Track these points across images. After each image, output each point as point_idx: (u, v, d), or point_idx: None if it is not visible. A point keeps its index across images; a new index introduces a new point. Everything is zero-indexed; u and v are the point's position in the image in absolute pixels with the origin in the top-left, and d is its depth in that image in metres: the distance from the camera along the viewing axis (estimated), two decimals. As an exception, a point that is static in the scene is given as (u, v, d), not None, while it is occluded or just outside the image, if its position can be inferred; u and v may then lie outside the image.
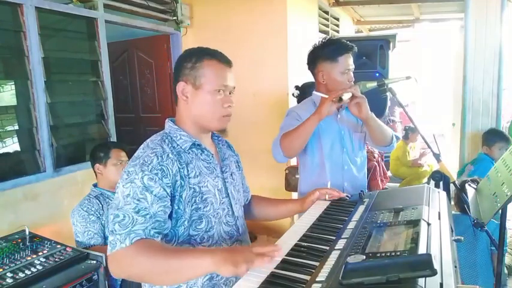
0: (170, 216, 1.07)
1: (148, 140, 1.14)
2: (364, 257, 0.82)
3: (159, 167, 1.04)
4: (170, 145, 1.11)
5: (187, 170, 1.10)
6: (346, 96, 1.53)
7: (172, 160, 1.07)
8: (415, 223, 0.96)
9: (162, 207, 1.02)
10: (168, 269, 0.93)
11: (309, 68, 1.81)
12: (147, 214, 0.99)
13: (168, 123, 1.19)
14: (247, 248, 0.94)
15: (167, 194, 1.04)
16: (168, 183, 1.04)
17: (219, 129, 1.21)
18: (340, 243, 1.01)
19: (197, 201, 1.11)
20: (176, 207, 1.08)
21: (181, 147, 1.13)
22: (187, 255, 0.95)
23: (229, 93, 1.16)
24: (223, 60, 1.14)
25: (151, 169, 1.02)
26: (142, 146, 1.12)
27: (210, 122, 1.16)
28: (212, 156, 1.19)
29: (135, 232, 0.96)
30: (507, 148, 2.87)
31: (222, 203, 1.18)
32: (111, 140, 2.92)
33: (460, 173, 3.23)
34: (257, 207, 1.47)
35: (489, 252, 2.18)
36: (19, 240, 1.69)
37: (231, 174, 1.26)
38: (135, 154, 1.10)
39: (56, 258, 1.58)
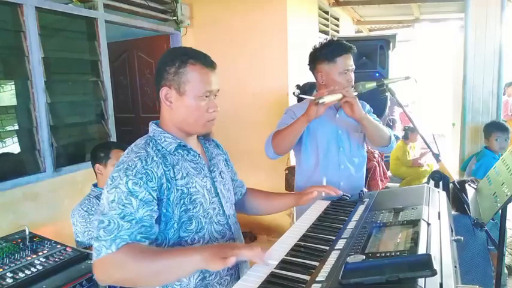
0: (158, 220, 1.06)
1: (132, 145, 1.13)
2: (364, 257, 0.82)
3: (144, 171, 1.02)
4: (155, 148, 1.10)
5: (174, 172, 1.09)
6: (328, 99, 1.51)
7: (157, 163, 1.05)
8: (415, 223, 0.96)
9: (149, 211, 1.01)
10: (157, 269, 0.93)
11: (310, 69, 1.82)
12: (133, 219, 0.98)
13: (151, 126, 1.17)
14: (235, 243, 0.94)
15: (153, 198, 1.02)
16: (154, 187, 1.03)
17: (203, 133, 1.20)
18: (340, 243, 1.01)
19: (186, 202, 1.10)
20: (164, 210, 1.06)
21: (166, 149, 1.11)
22: (176, 254, 0.95)
23: (214, 96, 1.15)
24: (207, 63, 1.11)
25: (135, 173, 1.01)
26: (127, 150, 1.11)
27: (194, 127, 1.14)
28: (199, 156, 1.18)
29: (121, 237, 0.95)
30: (504, 138, 2.91)
31: (212, 203, 1.17)
32: (111, 140, 2.92)
33: (465, 164, 3.24)
34: (251, 201, 1.46)
35: (487, 251, 2.19)
36: (19, 240, 1.68)
37: (220, 173, 1.25)
38: (120, 159, 1.08)
39: (56, 258, 1.57)
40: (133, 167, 1.02)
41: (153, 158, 1.06)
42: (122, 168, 1.03)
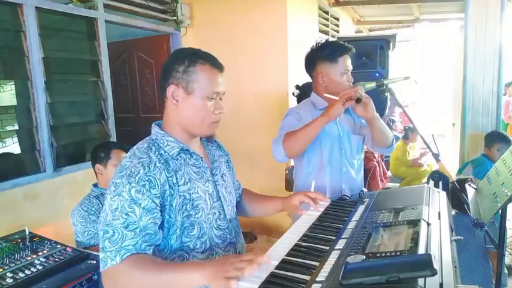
0: (161, 226, 1.06)
1: (134, 148, 1.12)
2: (364, 257, 0.82)
3: (147, 178, 1.02)
4: (157, 152, 1.09)
5: (177, 178, 1.08)
6: (360, 95, 1.54)
7: (159, 169, 1.05)
8: (415, 223, 0.96)
9: (152, 219, 1.00)
10: (160, 283, 0.92)
11: (307, 71, 1.80)
12: (137, 228, 0.98)
13: (154, 129, 1.16)
14: (236, 259, 0.91)
15: (156, 205, 1.02)
16: (157, 194, 1.02)
17: (207, 135, 1.19)
18: (340, 243, 1.01)
19: (188, 208, 1.09)
20: (167, 216, 1.06)
21: (168, 154, 1.10)
22: (179, 270, 0.94)
23: (220, 99, 1.14)
24: (216, 65, 1.12)
25: (138, 180, 1.01)
26: (129, 154, 1.10)
27: (199, 128, 1.14)
28: (201, 160, 1.17)
29: (126, 248, 0.95)
30: (506, 149, 2.88)
31: (213, 208, 1.16)
32: (111, 140, 2.92)
33: (460, 170, 3.24)
34: (244, 203, 1.45)
35: (485, 250, 2.19)
36: (19, 240, 1.68)
37: (222, 176, 1.24)
38: (122, 163, 1.07)
39: (56, 258, 1.57)
40: (136, 173, 1.02)
41: (155, 164, 1.05)
42: (124, 175, 1.02)
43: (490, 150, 2.98)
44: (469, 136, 3.43)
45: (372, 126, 1.68)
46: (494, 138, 2.99)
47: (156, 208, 1.02)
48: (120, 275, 0.94)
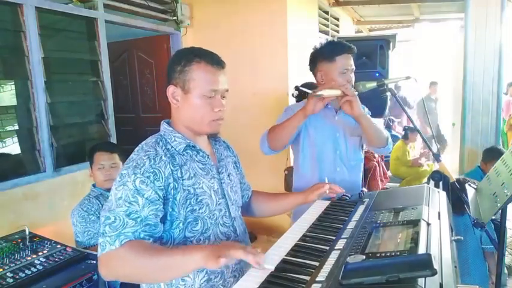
0: (163, 220, 1.07)
1: (143, 142, 1.14)
2: (364, 257, 0.82)
3: (152, 170, 1.03)
4: (164, 147, 1.11)
5: (181, 172, 1.09)
6: (326, 93, 1.52)
7: (165, 162, 1.06)
8: (415, 223, 0.96)
9: (154, 210, 1.01)
10: (157, 266, 0.93)
11: (310, 69, 1.82)
12: (138, 217, 0.99)
13: (163, 125, 1.18)
14: (234, 243, 0.94)
15: (159, 197, 1.03)
16: (161, 186, 1.04)
17: (209, 133, 1.18)
18: (340, 243, 1.01)
19: (192, 203, 1.10)
20: (170, 210, 1.07)
21: (175, 149, 1.12)
22: (176, 252, 0.96)
23: (222, 97, 1.14)
24: (213, 62, 1.11)
25: (143, 172, 1.02)
26: (137, 148, 1.12)
27: (201, 126, 1.14)
28: (208, 157, 1.18)
29: (125, 234, 0.97)
30: None
31: (219, 204, 1.17)
32: (111, 140, 2.92)
33: None
34: (257, 204, 1.46)
35: (481, 250, 2.19)
36: (19, 240, 1.68)
37: (228, 175, 1.25)
38: (130, 156, 1.09)
39: (56, 258, 1.57)
40: (141, 165, 1.03)
41: (161, 157, 1.07)
42: (130, 166, 1.04)
43: (487, 165, 2.95)
44: (469, 136, 3.43)
45: (360, 125, 1.68)
46: (494, 155, 2.93)
47: (158, 200, 1.03)
48: (118, 259, 0.96)
